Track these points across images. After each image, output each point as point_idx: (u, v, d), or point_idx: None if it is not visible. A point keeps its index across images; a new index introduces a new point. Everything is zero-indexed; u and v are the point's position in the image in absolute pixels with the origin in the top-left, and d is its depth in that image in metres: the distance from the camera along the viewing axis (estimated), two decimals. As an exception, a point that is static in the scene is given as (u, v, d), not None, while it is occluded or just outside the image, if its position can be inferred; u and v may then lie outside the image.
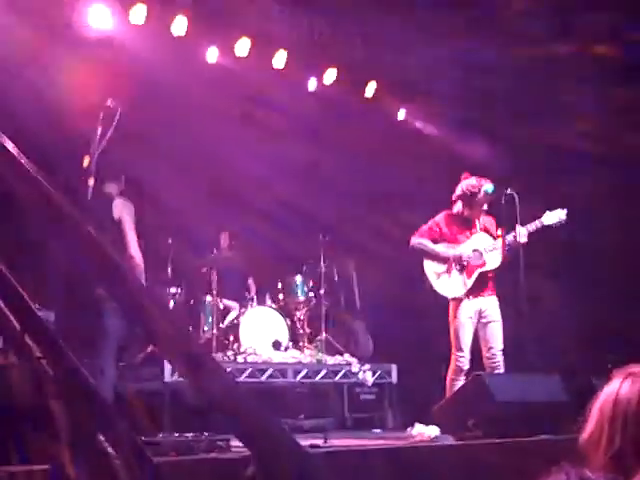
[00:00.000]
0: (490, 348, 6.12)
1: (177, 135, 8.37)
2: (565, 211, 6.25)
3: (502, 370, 6.07)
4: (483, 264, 6.22)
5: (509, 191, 6.19)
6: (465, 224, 6.36)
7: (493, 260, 6.24)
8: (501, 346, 6.15)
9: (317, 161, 9.34)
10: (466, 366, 6.06)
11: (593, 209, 8.09)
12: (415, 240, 6.33)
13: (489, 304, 6.21)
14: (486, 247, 6.26)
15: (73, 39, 7.40)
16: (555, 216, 6.24)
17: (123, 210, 5.38)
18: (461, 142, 8.99)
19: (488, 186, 6.25)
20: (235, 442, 3.87)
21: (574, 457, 1.92)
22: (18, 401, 2.43)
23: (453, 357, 6.10)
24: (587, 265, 8.12)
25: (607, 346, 7.55)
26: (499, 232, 6.29)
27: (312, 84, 9.35)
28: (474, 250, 6.26)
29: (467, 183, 6.33)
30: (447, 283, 6.22)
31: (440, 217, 6.41)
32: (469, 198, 6.29)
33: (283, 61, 8.85)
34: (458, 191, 6.36)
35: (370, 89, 9.61)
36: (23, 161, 2.16)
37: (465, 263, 6.20)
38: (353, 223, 9.39)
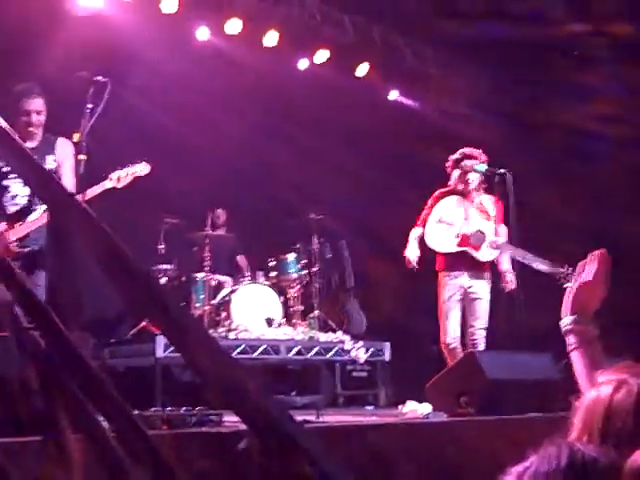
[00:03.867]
0: (471, 326, 6.15)
1: (168, 112, 8.33)
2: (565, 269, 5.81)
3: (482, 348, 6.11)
4: (477, 249, 6.19)
5: (502, 171, 6.12)
6: (461, 199, 6.32)
7: (486, 254, 6.23)
8: (484, 324, 6.15)
9: (313, 139, 9.31)
10: (454, 345, 6.07)
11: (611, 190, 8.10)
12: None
13: (477, 282, 6.19)
14: (489, 240, 6.22)
15: (63, 16, 7.36)
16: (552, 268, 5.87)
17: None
18: (470, 124, 8.93)
19: (480, 165, 6.21)
20: (228, 417, 3.87)
21: (565, 435, 1.91)
22: (10, 372, 2.42)
23: (441, 340, 6.16)
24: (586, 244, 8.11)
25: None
26: (492, 212, 6.28)
27: (303, 64, 9.33)
28: (479, 231, 6.22)
29: (459, 157, 6.31)
30: (442, 236, 6.22)
31: (435, 197, 6.37)
32: (462, 173, 6.27)
33: (275, 41, 8.82)
34: (452, 164, 6.36)
35: (362, 70, 9.58)
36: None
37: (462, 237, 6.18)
38: (346, 201, 9.38)
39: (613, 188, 8.40)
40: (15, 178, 5.03)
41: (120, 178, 5.45)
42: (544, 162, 8.60)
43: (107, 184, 5.35)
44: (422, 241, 6.32)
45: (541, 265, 5.90)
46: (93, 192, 5.23)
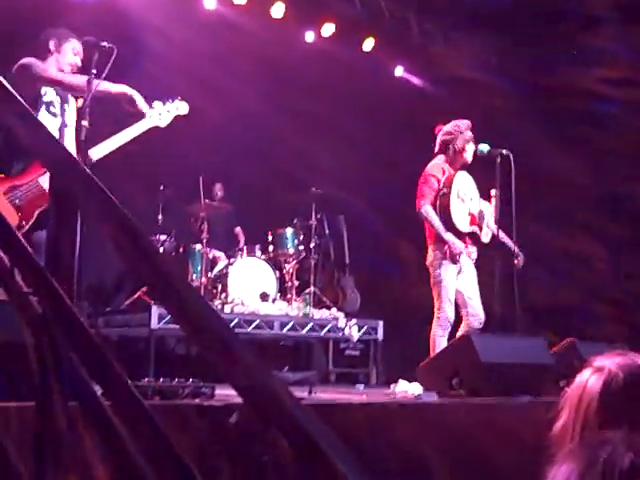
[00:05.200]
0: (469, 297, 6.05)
1: (172, 80, 8.28)
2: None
3: (482, 316, 6.05)
4: (481, 229, 6.15)
5: (504, 151, 6.04)
6: (468, 175, 6.14)
7: (486, 235, 6.20)
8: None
9: (317, 111, 9.27)
10: (450, 315, 5.94)
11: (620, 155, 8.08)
12: (423, 209, 5.93)
13: (467, 259, 6.10)
14: (489, 219, 6.18)
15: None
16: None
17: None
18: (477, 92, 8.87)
19: (483, 145, 6.12)
20: (220, 390, 3.88)
21: (554, 420, 1.93)
22: (9, 338, 2.42)
23: (436, 310, 5.97)
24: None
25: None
26: (493, 192, 6.19)
27: (310, 36, 9.33)
28: (481, 211, 6.17)
29: (447, 128, 6.13)
30: (459, 213, 5.99)
31: (433, 169, 6.05)
32: (455, 153, 6.12)
33: (281, 12, 8.81)
34: (440, 139, 6.13)
35: (368, 44, 9.57)
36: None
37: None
38: (346, 177, 9.36)
39: (624, 152, 8.35)
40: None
41: (162, 115, 5.19)
42: (554, 127, 8.56)
43: (147, 123, 5.08)
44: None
45: (511, 244, 6.19)
46: (132, 132, 5.01)
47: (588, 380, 1.88)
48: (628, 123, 8.17)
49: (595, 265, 8.34)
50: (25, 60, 4.89)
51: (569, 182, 8.27)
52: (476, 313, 6.03)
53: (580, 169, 8.28)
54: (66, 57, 5.06)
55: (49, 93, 4.93)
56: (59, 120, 4.95)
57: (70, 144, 4.92)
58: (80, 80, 4.86)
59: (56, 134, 4.80)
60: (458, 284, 6.00)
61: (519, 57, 8.82)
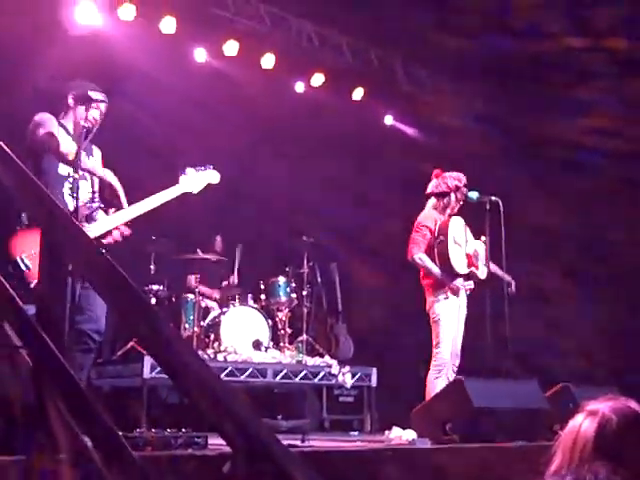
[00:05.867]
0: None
1: (165, 130, 8.39)
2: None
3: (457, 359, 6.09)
4: (477, 268, 6.23)
5: (493, 198, 6.18)
6: (462, 220, 6.27)
7: (483, 272, 6.26)
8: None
9: (304, 162, 9.38)
10: (447, 356, 6.00)
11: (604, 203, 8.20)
12: (416, 256, 6.09)
13: (464, 297, 6.19)
14: (481, 256, 6.26)
15: (61, 35, 7.41)
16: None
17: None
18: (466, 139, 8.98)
19: (472, 193, 6.24)
20: (213, 439, 3.86)
21: (548, 463, 1.95)
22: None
23: (434, 352, 6.03)
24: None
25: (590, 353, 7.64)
26: (483, 239, 6.28)
27: (300, 86, 9.48)
28: (476, 250, 6.26)
29: (447, 180, 6.28)
30: (457, 258, 6.12)
31: (426, 219, 6.21)
32: (446, 197, 6.27)
33: (271, 63, 8.95)
34: (438, 188, 6.29)
35: (358, 93, 9.72)
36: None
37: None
38: (337, 225, 9.42)
39: (607, 201, 8.47)
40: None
41: (195, 182, 5.20)
42: (539, 176, 8.68)
43: (179, 189, 5.08)
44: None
45: (501, 273, 6.38)
46: (164, 198, 4.98)
47: (582, 424, 1.91)
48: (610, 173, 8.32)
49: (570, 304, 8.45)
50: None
51: (552, 226, 8.39)
52: (455, 352, 6.09)
53: (563, 213, 8.42)
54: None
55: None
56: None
57: (83, 195, 4.81)
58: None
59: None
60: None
61: (506, 105, 8.95)
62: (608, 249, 8.35)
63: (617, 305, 8.20)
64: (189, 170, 5.22)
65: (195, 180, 5.23)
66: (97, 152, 5.12)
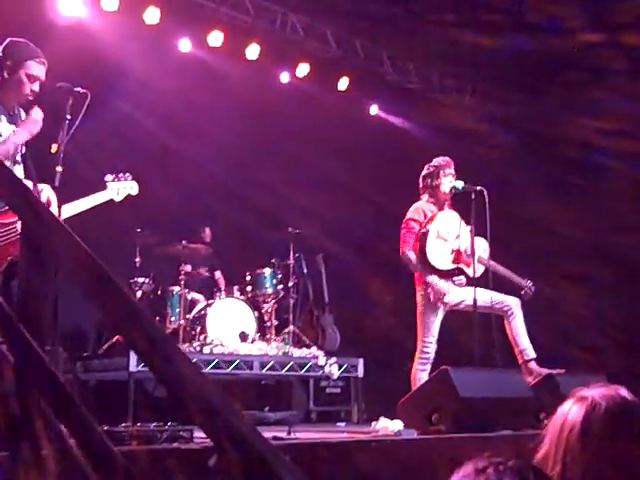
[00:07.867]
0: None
1: (149, 121, 8.35)
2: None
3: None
4: (468, 265, 6.15)
5: (479, 188, 6.11)
6: (454, 213, 6.18)
7: (476, 270, 6.21)
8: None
9: (289, 152, 9.36)
10: (432, 354, 6.02)
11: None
12: (406, 255, 6.03)
13: (458, 290, 6.14)
14: (480, 254, 6.20)
15: (46, 25, 7.36)
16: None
17: None
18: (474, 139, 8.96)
19: (457, 182, 6.18)
20: (198, 433, 3.85)
21: (535, 451, 1.95)
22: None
23: (419, 345, 6.02)
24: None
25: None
26: (467, 228, 6.23)
27: (285, 77, 9.46)
28: (471, 246, 6.20)
29: (433, 162, 6.23)
30: (439, 252, 6.06)
31: (413, 213, 6.16)
32: (434, 189, 6.21)
33: (256, 54, 8.93)
34: (426, 171, 6.23)
35: (343, 83, 9.72)
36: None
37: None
38: (323, 216, 9.41)
39: (619, 203, 8.46)
40: None
41: (119, 191, 5.27)
42: (551, 176, 8.66)
43: (106, 194, 5.15)
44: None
45: (513, 276, 6.28)
46: (91, 202, 5.01)
47: (570, 409, 1.91)
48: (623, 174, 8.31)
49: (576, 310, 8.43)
50: None
51: (561, 229, 8.38)
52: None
53: (573, 217, 8.39)
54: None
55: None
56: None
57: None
58: None
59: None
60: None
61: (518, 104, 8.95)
62: (619, 249, 8.33)
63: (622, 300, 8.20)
64: (110, 177, 5.28)
65: (119, 188, 5.28)
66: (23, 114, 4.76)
